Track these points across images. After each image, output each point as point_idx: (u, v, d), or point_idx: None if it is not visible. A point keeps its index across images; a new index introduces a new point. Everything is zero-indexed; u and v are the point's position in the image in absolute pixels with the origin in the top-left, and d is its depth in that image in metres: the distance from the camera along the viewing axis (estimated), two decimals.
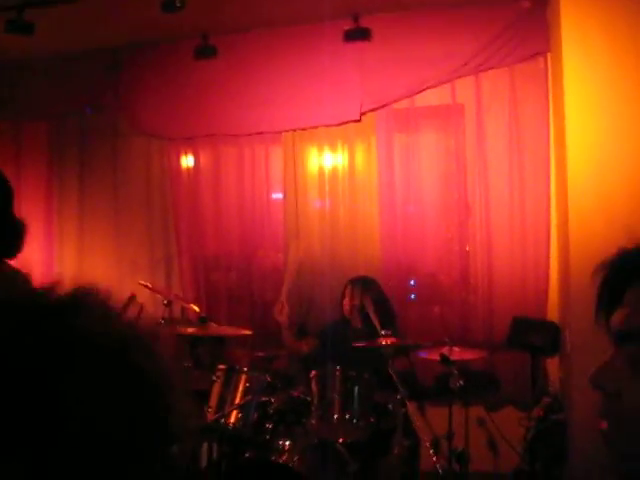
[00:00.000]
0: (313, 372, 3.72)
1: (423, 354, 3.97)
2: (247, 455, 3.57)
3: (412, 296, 4.73)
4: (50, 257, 5.19)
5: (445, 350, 3.84)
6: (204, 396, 3.65)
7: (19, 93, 5.12)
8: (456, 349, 3.86)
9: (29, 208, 5.22)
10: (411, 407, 3.54)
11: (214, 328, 3.82)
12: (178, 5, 3.96)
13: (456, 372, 3.62)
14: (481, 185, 4.55)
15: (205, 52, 4.72)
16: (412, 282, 4.74)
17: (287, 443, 3.52)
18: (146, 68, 5.02)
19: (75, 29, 4.68)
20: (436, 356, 3.81)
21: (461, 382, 3.56)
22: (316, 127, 4.78)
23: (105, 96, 5.07)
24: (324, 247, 4.80)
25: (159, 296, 4.25)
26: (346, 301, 4.34)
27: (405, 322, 4.59)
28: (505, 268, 4.51)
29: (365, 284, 4.38)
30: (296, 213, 4.87)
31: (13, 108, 5.14)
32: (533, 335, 4.32)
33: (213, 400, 3.63)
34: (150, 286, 4.08)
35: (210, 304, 4.98)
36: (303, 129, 4.82)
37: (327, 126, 4.75)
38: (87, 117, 5.18)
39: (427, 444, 3.52)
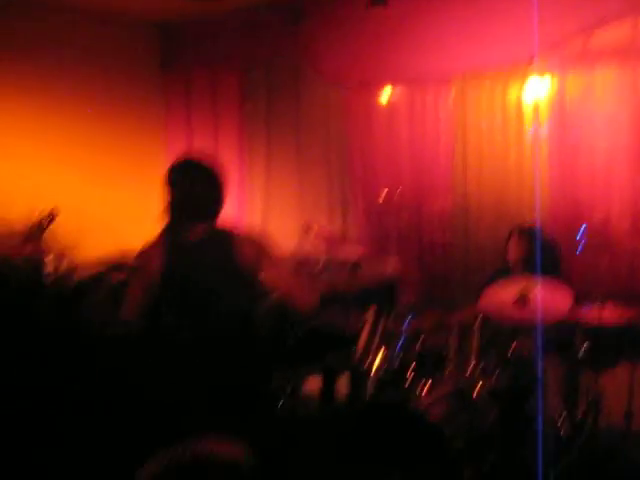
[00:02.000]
0: (453, 320, 3.84)
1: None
2: (386, 399, 3.81)
3: (580, 246, 4.53)
4: (242, 198, 5.73)
5: (595, 307, 3.73)
6: (353, 338, 3.92)
7: (214, 45, 5.60)
8: (610, 305, 3.72)
9: (224, 154, 5.79)
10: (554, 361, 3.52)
11: (362, 275, 4.03)
12: None
13: (582, 332, 3.51)
14: None
15: (377, 1, 4.80)
16: (581, 230, 4.53)
17: (426, 388, 3.69)
18: (325, 19, 5.20)
19: None
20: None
21: (586, 343, 3.46)
22: (487, 70, 4.67)
23: (288, 47, 5.36)
24: (491, 191, 4.77)
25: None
26: (512, 250, 4.30)
27: (572, 273, 4.45)
28: None
29: (532, 233, 4.30)
30: (464, 157, 4.86)
31: (209, 59, 5.66)
32: None
33: (360, 343, 3.89)
34: (314, 228, 4.36)
35: (381, 246, 5.21)
36: (473, 72, 4.73)
37: (498, 69, 4.62)
38: (273, 66, 5.53)
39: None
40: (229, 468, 1.28)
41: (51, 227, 3.57)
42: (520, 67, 4.54)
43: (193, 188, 2.93)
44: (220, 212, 3.02)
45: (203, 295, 2.89)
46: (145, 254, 2.99)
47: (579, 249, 4.54)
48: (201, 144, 5.78)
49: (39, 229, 3.58)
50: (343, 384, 4.28)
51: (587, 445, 3.81)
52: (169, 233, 2.96)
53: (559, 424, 3.52)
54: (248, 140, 5.74)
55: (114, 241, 4.12)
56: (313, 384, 4.77)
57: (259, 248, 2.99)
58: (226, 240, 2.93)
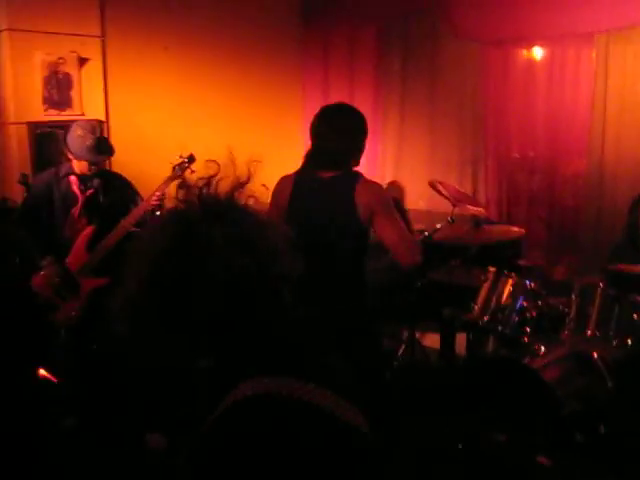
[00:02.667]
0: (576, 284, 3.78)
1: None
2: (503, 355, 3.85)
3: None
4: (374, 152, 5.83)
5: None
6: (473, 294, 3.97)
7: (354, 0, 5.68)
8: None
9: (360, 106, 5.87)
10: None
11: (486, 232, 4.05)
12: None
13: None
14: None
15: None
16: None
17: (542, 349, 3.69)
18: None
19: None
20: None
21: None
22: (633, 27, 4.45)
23: (426, 2, 5.35)
24: (629, 156, 4.59)
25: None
26: None
27: None
28: None
29: None
30: (603, 119, 4.68)
31: (348, 14, 5.74)
32: None
33: (480, 298, 3.93)
34: (440, 185, 4.40)
35: (510, 206, 5.17)
36: (618, 29, 4.52)
37: None
38: (410, 22, 5.54)
39: None
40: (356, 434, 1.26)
41: (191, 169, 3.82)
42: None
43: (331, 139, 3.02)
44: (356, 160, 3.12)
45: (318, 229, 3.02)
46: (277, 185, 3.18)
47: None
48: (336, 97, 5.92)
49: (180, 169, 3.86)
50: (462, 340, 4.37)
51: None
52: (301, 174, 3.13)
53: None
54: (383, 95, 5.80)
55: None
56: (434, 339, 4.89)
57: (378, 195, 3.08)
58: (350, 181, 3.04)
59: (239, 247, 1.23)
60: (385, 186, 3.12)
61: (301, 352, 1.30)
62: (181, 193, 1.35)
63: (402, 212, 3.08)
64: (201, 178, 1.38)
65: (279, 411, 1.14)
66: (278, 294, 1.30)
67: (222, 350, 1.25)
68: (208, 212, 1.29)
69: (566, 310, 3.75)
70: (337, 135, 3.03)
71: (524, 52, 5.07)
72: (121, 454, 2.93)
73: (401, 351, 4.74)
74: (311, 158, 3.09)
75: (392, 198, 3.12)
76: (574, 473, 2.85)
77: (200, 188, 1.35)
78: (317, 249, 3.00)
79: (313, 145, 3.09)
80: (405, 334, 4.78)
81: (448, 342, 4.52)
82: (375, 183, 3.18)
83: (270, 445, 1.10)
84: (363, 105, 5.78)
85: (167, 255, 1.21)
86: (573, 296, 3.77)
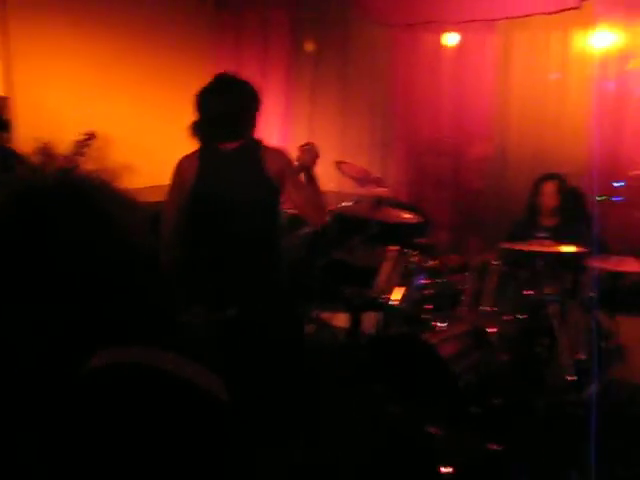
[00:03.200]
0: (472, 262, 3.91)
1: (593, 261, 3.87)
2: (402, 332, 3.94)
3: (617, 198, 4.50)
4: (286, 135, 5.85)
5: (616, 259, 3.74)
6: (375, 272, 4.04)
7: None
8: (629, 259, 3.73)
9: (271, 90, 5.89)
10: (553, 309, 3.57)
11: (388, 212, 4.12)
12: None
13: (590, 280, 3.54)
14: None
15: None
16: (619, 183, 4.49)
17: (442, 325, 3.79)
18: None
19: None
20: (605, 264, 3.74)
21: (595, 292, 3.49)
22: (532, 15, 4.60)
23: None
24: (531, 140, 4.76)
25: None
26: (546, 198, 4.29)
27: (606, 225, 4.44)
28: None
29: (563, 182, 4.30)
30: (506, 103, 4.83)
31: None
32: None
33: (381, 276, 4.00)
34: (346, 165, 4.45)
35: (417, 188, 5.28)
36: (519, 17, 4.67)
37: (544, 14, 4.54)
38: (322, 5, 5.56)
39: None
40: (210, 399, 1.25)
41: (91, 147, 3.76)
42: (567, 12, 4.45)
43: (223, 108, 3.01)
44: (253, 128, 3.10)
45: (232, 203, 3.01)
46: (180, 165, 3.12)
47: (615, 200, 4.52)
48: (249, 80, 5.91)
49: (81, 146, 3.80)
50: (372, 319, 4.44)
51: (601, 395, 3.87)
52: (204, 150, 3.10)
53: (572, 369, 3.57)
54: (295, 79, 5.81)
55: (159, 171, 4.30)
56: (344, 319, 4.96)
57: (286, 161, 3.08)
58: (256, 151, 3.04)
59: (95, 223, 1.22)
60: (301, 147, 3.13)
61: (164, 322, 1.30)
62: (38, 159, 1.31)
63: (312, 177, 3.11)
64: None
65: (135, 380, 1.14)
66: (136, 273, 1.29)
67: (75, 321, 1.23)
68: (62, 185, 1.26)
69: (463, 287, 3.87)
70: (228, 103, 3.02)
71: (432, 37, 5.15)
72: None
73: (310, 331, 4.79)
74: (207, 131, 3.07)
75: (302, 164, 3.12)
76: (467, 442, 2.94)
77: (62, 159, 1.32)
78: (232, 222, 3.02)
79: (204, 117, 3.05)
80: (313, 314, 4.83)
81: (354, 322, 4.59)
82: (280, 150, 3.18)
83: (126, 413, 1.10)
84: (276, 88, 5.82)
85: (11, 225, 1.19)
86: (469, 274, 3.90)
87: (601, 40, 4.43)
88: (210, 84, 3.11)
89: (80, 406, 1.10)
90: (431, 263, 3.95)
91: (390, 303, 3.89)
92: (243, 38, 5.92)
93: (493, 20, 4.77)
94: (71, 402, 1.11)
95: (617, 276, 3.84)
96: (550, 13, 4.51)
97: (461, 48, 5.02)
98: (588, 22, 4.45)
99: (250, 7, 5.81)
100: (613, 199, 4.47)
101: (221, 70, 5.76)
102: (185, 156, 3.14)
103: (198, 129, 3.05)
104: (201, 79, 5.85)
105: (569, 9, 4.43)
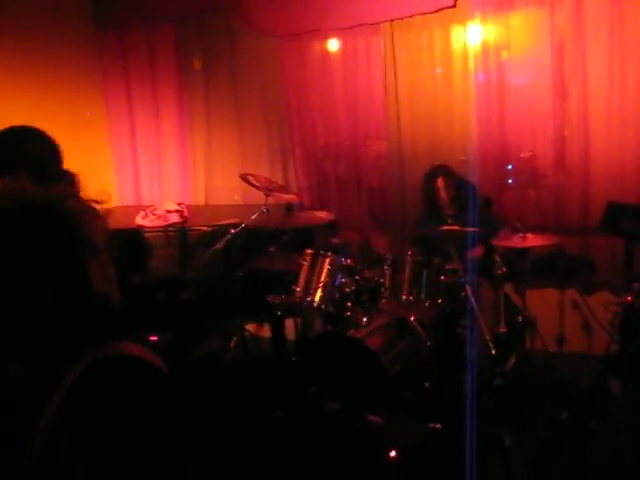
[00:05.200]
0: (387, 256, 4.06)
1: (497, 240, 4.11)
2: (327, 328, 4.03)
3: (509, 180, 4.79)
4: (184, 153, 5.83)
5: (518, 236, 3.98)
6: (293, 277, 4.10)
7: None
8: (529, 235, 3.98)
9: (163, 109, 5.86)
10: (468, 290, 3.77)
11: (299, 217, 4.21)
12: None
13: (499, 259, 3.77)
14: (579, 66, 4.43)
15: None
16: (509, 166, 4.78)
17: (365, 319, 3.91)
18: None
19: None
20: (509, 243, 3.99)
21: (504, 269, 3.72)
22: (412, 16, 4.82)
23: None
24: (423, 135, 4.97)
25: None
26: (440, 193, 4.46)
27: (501, 206, 4.71)
28: (603, 152, 4.44)
29: (450, 174, 4.51)
30: (396, 102, 5.02)
31: (143, 14, 5.68)
32: (627, 221, 4.25)
33: (301, 281, 4.07)
34: (251, 177, 4.50)
35: (321, 192, 5.39)
36: (400, 18, 4.88)
37: (423, 14, 4.77)
38: (206, 19, 5.58)
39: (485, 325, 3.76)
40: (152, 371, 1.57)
41: None
42: (445, 10, 4.69)
43: None
44: None
45: None
46: None
47: (507, 183, 4.80)
48: (139, 100, 5.86)
49: None
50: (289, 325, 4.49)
51: (520, 365, 4.10)
52: None
53: (491, 346, 3.77)
54: (187, 95, 5.80)
55: None
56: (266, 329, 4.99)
57: None
58: None
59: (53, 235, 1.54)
60: None
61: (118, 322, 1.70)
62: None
63: None
64: None
65: (128, 366, 1.51)
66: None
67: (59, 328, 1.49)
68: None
69: (381, 281, 4.01)
70: None
71: (319, 44, 5.28)
72: None
73: (233, 344, 4.80)
74: None
75: None
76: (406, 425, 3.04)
77: None
78: None
79: None
80: (235, 327, 4.84)
81: (278, 329, 4.63)
82: None
83: (127, 394, 1.46)
84: (167, 107, 5.79)
85: None
86: (385, 267, 4.04)
87: (478, 34, 4.70)
88: None
89: (97, 390, 1.41)
90: (347, 261, 4.05)
91: (313, 305, 3.97)
92: (130, 57, 5.86)
93: (377, 23, 4.95)
94: (87, 387, 1.41)
95: (521, 252, 4.09)
96: (429, 13, 4.74)
97: (348, 52, 5.17)
98: (465, 18, 4.71)
99: (133, 25, 5.75)
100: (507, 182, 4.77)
101: (112, 93, 5.72)
102: None
103: None
104: (91, 104, 5.88)
105: (446, 8, 4.68)
